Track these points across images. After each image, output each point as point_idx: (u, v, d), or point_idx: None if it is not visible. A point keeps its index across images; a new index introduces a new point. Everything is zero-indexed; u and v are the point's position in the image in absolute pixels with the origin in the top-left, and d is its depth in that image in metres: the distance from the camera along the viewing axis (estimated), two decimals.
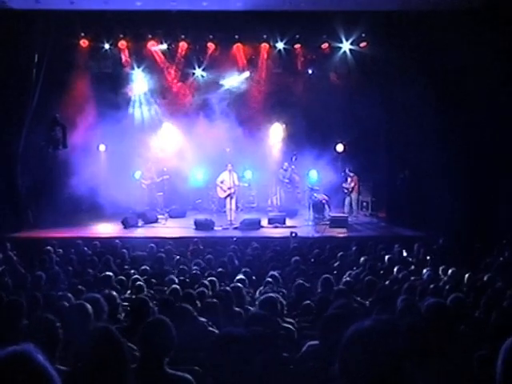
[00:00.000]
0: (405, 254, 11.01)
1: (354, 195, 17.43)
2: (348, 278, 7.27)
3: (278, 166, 18.51)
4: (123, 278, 8.40)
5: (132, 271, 9.37)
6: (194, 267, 9.89)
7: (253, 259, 10.91)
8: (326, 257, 11.24)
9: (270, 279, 8.05)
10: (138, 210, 16.96)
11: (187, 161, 18.17)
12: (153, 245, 12.46)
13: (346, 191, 17.43)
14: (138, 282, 7.68)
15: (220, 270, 9.31)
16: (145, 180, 17.97)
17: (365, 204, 18.02)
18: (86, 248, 12.38)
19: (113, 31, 17.16)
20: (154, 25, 17.25)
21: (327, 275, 7.21)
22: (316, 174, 17.64)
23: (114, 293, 5.64)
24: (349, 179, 17.41)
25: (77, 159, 16.49)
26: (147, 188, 17.99)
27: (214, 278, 7.99)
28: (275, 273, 8.48)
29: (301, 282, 7.20)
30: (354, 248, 11.58)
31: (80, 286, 7.40)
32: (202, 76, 18.43)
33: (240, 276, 8.30)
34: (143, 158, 18.02)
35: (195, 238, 13.41)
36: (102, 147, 18.33)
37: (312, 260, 11.07)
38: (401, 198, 15.89)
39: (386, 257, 10.10)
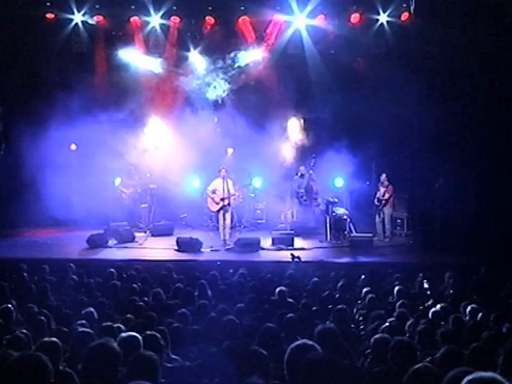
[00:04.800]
0: (426, 285, 10.34)
1: (387, 210, 16.46)
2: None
3: (293, 172, 17.75)
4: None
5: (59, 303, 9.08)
6: (145, 299, 9.39)
7: (228, 289, 10.29)
8: (328, 288, 10.54)
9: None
10: (112, 226, 16.51)
11: (179, 165, 17.53)
12: (113, 270, 12.00)
13: (378, 204, 16.52)
14: (40, 317, 7.42)
15: (170, 302, 8.90)
16: (126, 188, 17.56)
17: (399, 221, 17.10)
18: (25, 274, 11.99)
19: (86, 1, 16.90)
20: None
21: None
22: (342, 183, 16.95)
23: None
24: (382, 189, 16.49)
25: (40, 161, 16.19)
26: (128, 198, 17.58)
27: (152, 313, 7.78)
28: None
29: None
30: (362, 277, 11.04)
31: None
32: (198, 59, 17.98)
33: (182, 310, 7.82)
34: (124, 161, 17.57)
35: (168, 263, 12.98)
36: (72, 147, 18.04)
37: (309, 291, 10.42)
38: (436, 214, 14.98)
39: (396, 288, 9.41)
